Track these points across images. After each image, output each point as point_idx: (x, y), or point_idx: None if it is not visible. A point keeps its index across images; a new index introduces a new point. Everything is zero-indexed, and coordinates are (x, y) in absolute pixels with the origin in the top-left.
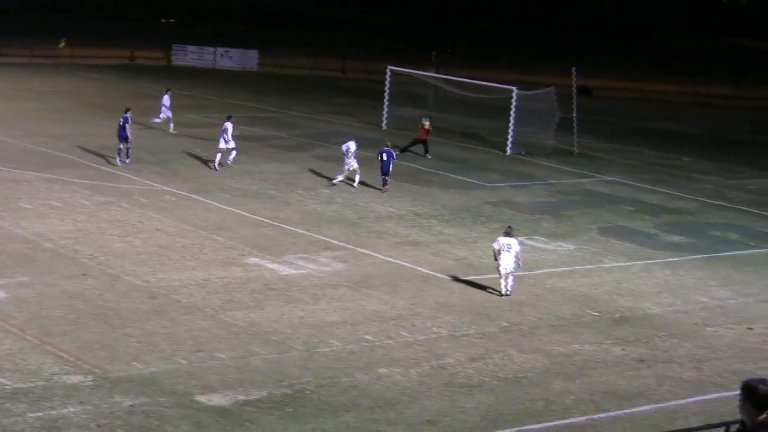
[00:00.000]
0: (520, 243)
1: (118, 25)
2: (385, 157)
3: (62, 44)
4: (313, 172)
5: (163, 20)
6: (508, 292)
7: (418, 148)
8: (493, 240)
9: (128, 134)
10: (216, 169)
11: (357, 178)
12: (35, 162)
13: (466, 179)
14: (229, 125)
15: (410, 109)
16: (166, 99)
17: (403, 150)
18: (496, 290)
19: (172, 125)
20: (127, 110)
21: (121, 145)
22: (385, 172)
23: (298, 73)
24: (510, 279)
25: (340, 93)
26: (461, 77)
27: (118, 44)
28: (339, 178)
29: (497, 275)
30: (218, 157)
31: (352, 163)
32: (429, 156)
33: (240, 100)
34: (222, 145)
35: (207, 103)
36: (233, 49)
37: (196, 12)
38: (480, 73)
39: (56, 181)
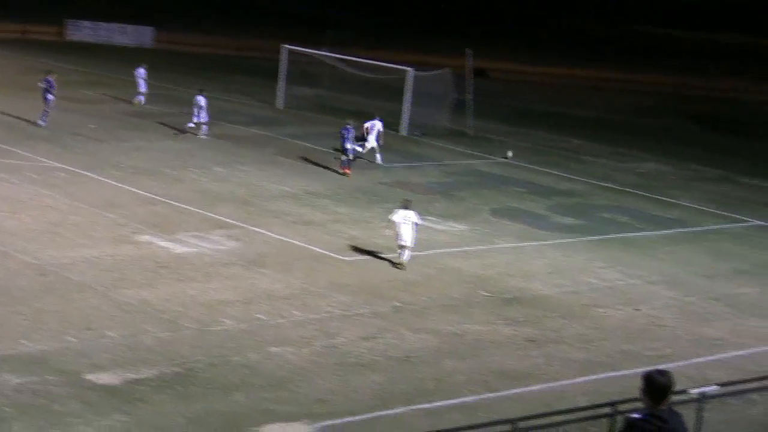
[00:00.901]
0: (419, 216)
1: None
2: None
3: None
4: (208, 150)
5: None
6: (404, 262)
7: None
8: (392, 212)
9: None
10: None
11: (378, 157)
12: None
13: (362, 159)
14: (201, 99)
15: (306, 88)
16: (140, 72)
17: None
18: (394, 261)
19: (143, 98)
20: (49, 72)
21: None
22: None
23: (193, 51)
24: (407, 251)
25: (235, 71)
26: (357, 57)
27: (9, 19)
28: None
29: (396, 248)
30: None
31: (371, 142)
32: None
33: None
34: (201, 119)
35: (103, 80)
36: (129, 25)
37: None
38: (376, 53)
39: None
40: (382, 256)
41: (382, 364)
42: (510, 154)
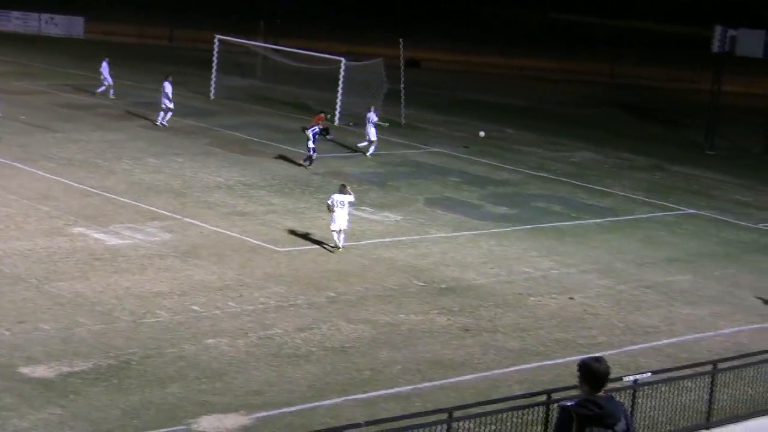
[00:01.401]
0: (354, 198)
1: None
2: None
3: None
4: (140, 141)
5: None
6: (341, 247)
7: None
8: (328, 196)
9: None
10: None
11: (371, 149)
12: None
13: (294, 149)
14: (167, 85)
15: (239, 78)
16: (104, 67)
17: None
18: (329, 246)
19: (112, 92)
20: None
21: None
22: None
23: (125, 41)
24: (342, 235)
25: (168, 61)
26: (290, 47)
27: None
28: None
29: (331, 230)
30: (161, 115)
31: (372, 134)
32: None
33: (66, 68)
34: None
35: (34, 71)
36: (58, 15)
37: None
38: (309, 44)
39: None
40: (318, 245)
41: (318, 354)
42: (482, 133)
